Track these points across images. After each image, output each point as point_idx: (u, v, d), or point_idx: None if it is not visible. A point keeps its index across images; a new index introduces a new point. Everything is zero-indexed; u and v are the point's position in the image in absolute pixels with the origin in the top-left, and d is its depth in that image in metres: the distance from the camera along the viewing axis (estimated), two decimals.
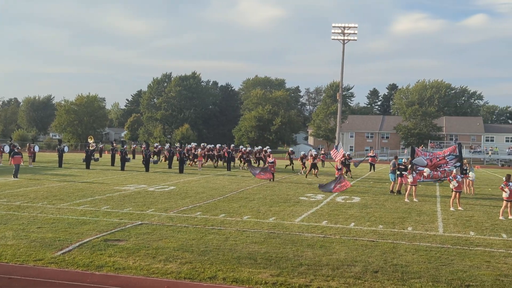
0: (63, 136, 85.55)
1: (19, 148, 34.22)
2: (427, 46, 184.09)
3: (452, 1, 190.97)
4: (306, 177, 29.92)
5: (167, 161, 36.36)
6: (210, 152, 35.47)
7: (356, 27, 59.98)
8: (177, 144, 38.75)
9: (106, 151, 49.91)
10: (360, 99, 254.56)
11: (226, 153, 35.37)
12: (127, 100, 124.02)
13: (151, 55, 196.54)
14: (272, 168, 27.28)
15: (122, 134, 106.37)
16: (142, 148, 36.62)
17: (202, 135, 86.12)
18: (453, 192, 18.34)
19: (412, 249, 11.38)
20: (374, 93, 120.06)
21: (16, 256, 9.84)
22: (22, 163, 27.04)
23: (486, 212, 17.48)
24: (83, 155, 36.16)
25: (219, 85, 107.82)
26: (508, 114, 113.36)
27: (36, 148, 39.84)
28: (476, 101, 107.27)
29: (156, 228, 12.86)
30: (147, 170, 31.49)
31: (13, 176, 24.87)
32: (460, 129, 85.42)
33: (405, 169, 21.85)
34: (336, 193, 21.62)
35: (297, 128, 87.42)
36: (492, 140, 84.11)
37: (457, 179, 18.31)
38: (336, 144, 47.76)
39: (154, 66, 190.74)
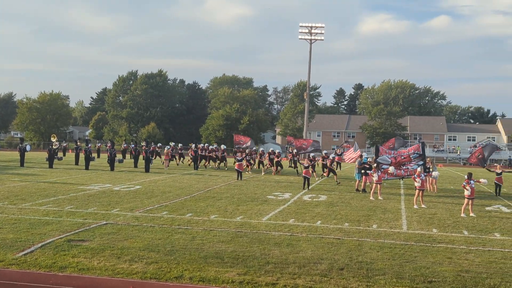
0: (25, 135, 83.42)
1: None
2: (392, 47, 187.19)
3: (416, 3, 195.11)
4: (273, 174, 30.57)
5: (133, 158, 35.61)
6: (213, 154, 34.75)
7: (323, 27, 60.74)
8: (143, 143, 38.21)
9: (70, 150, 49.00)
10: (327, 99, 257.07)
11: (220, 154, 35.04)
12: (92, 98, 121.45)
13: (117, 52, 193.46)
14: (240, 167, 27.34)
15: (87, 133, 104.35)
16: (107, 147, 35.98)
17: (168, 134, 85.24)
18: (417, 190, 18.74)
19: (377, 246, 11.56)
20: (340, 93, 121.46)
21: None
22: None
23: (448, 210, 17.94)
24: (46, 154, 35.37)
25: (186, 83, 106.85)
26: (470, 114, 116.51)
27: None
28: (439, 101, 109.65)
29: (121, 228, 12.68)
30: (112, 169, 31.01)
31: None
32: (424, 129, 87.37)
33: (370, 168, 22.27)
34: (303, 192, 21.80)
35: (265, 127, 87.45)
36: (454, 139, 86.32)
37: (420, 177, 18.74)
38: (350, 144, 42.85)
39: (119, 63, 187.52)
